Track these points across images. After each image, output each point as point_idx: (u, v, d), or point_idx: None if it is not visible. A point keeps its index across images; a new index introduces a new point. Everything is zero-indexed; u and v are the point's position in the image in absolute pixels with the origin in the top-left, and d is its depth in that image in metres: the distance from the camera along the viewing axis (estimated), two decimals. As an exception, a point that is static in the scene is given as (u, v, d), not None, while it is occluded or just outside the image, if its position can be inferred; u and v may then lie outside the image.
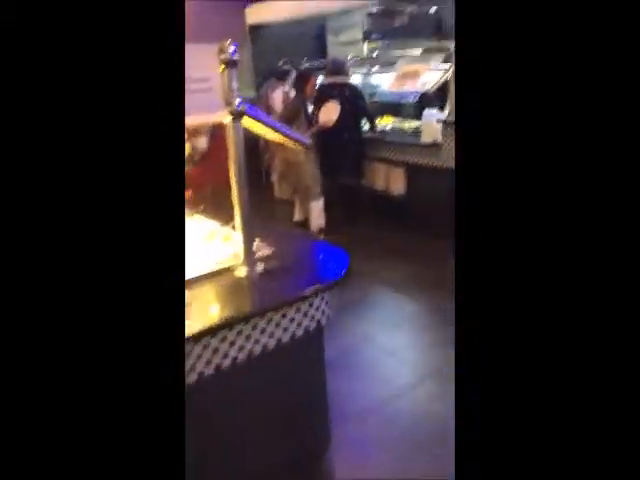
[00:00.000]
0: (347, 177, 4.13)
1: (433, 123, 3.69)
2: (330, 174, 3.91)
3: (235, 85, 1.39)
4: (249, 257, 1.53)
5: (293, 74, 4.69)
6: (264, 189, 5.14)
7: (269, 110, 4.53)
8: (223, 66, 1.35)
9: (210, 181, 2.19)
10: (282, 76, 4.82)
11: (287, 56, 5.17)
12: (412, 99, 3.97)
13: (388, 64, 4.63)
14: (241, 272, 1.51)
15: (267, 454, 1.57)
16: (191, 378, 1.30)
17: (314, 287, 1.43)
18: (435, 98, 3.90)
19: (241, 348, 1.39)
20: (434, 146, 3.69)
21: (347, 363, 2.41)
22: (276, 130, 1.54)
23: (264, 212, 4.55)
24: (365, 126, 4.32)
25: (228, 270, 1.53)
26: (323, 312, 1.55)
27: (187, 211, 1.69)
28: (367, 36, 5.23)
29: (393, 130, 4.24)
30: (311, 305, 1.50)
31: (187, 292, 1.26)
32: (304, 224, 4.06)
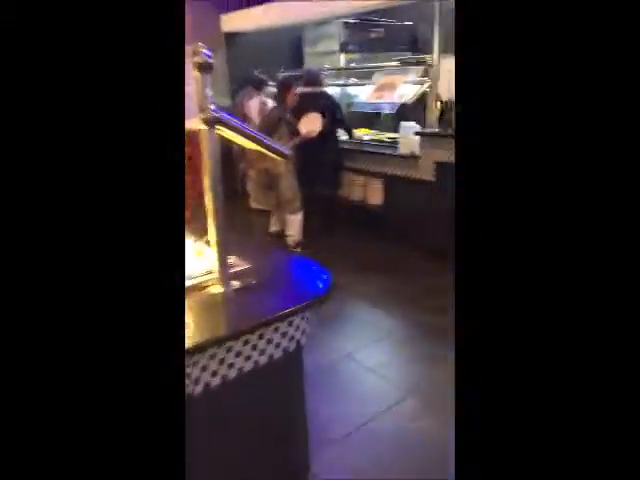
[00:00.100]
0: (324, 188, 4.08)
1: (410, 135, 3.68)
2: (307, 185, 3.85)
3: (209, 91, 1.30)
4: (224, 274, 1.44)
5: (270, 83, 4.63)
6: (239, 199, 5.04)
7: (245, 119, 4.45)
8: (196, 70, 1.27)
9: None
10: (258, 85, 4.76)
11: (263, 65, 5.11)
12: (390, 111, 3.95)
13: (365, 75, 4.63)
14: (215, 290, 1.42)
15: (242, 484, 1.47)
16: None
17: (293, 306, 1.35)
18: (413, 110, 3.90)
19: (214, 373, 1.29)
20: (412, 158, 3.67)
21: (326, 381, 2.33)
22: (256, 140, 1.46)
23: (239, 222, 4.46)
24: (342, 136, 4.29)
25: (201, 287, 1.43)
26: (303, 331, 1.47)
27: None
28: (344, 47, 5.23)
29: (371, 141, 4.22)
30: (290, 324, 1.42)
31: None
32: (280, 235, 3.98)
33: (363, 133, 4.36)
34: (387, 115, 4.13)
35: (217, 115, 1.32)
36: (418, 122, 3.76)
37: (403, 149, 3.74)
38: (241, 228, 4.38)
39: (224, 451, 1.42)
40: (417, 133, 3.65)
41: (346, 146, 4.23)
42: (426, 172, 3.60)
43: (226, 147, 4.13)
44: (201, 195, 1.40)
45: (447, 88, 3.57)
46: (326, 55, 5.39)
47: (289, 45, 5.93)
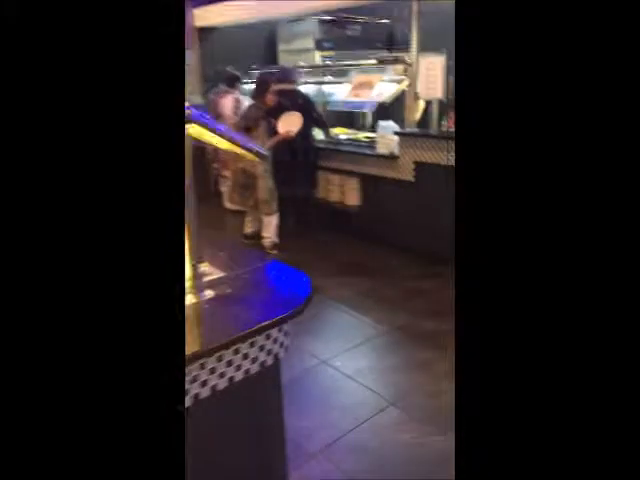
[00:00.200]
0: (300, 188, 3.99)
1: (389, 134, 3.62)
2: (283, 185, 3.74)
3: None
4: (196, 283, 1.33)
5: (243, 80, 4.50)
6: (212, 199, 4.90)
7: (219, 117, 4.31)
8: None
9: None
10: (232, 82, 4.62)
11: (237, 62, 4.98)
12: (367, 109, 3.88)
13: (341, 73, 4.55)
14: (187, 300, 1.31)
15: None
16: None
17: (272, 318, 1.25)
18: (391, 109, 3.84)
19: (186, 391, 1.18)
20: (390, 158, 3.61)
21: (303, 391, 2.24)
22: (231, 140, 1.36)
23: (213, 223, 4.32)
24: (319, 135, 4.20)
25: (171, 298, 1.32)
26: (281, 344, 1.37)
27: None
28: (319, 45, 5.14)
29: (348, 141, 4.14)
30: (268, 338, 1.32)
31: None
32: (256, 237, 3.87)
33: (340, 132, 4.28)
34: (365, 114, 4.05)
35: (189, 113, 1.22)
36: (397, 121, 3.70)
37: (381, 149, 3.68)
38: (215, 229, 4.25)
39: (198, 471, 1.31)
40: (396, 133, 3.59)
41: (323, 145, 4.15)
42: (405, 172, 3.55)
43: (199, 147, 4.00)
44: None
45: (426, 87, 3.53)
46: (301, 52, 5.29)
47: (263, 41, 5.81)
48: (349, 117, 4.55)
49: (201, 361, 1.19)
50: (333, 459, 1.86)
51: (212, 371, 1.22)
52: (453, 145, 3.21)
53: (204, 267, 1.45)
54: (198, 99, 5.13)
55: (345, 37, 5.24)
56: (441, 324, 2.79)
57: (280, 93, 3.74)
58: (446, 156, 3.26)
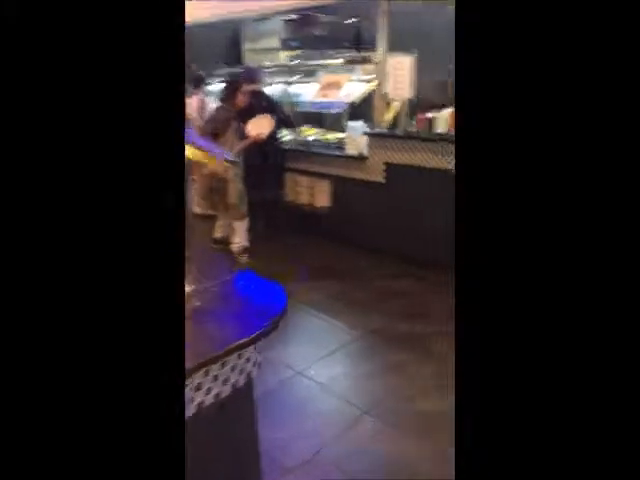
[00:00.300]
0: (269, 191, 3.90)
1: (358, 135, 3.57)
2: (252, 189, 3.65)
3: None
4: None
5: (207, 81, 4.37)
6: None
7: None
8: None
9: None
10: (197, 82, 4.49)
11: (200, 62, 4.84)
12: (336, 110, 3.83)
13: (308, 73, 4.48)
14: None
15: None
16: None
17: (244, 336, 1.17)
18: (360, 110, 3.80)
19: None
20: (359, 159, 3.57)
21: (277, 404, 2.16)
22: (197, 148, 1.28)
23: (179, 229, 4.18)
24: (287, 136, 4.12)
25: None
26: (255, 363, 1.29)
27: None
28: (285, 44, 5.05)
29: (317, 142, 4.08)
30: (240, 357, 1.24)
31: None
32: (225, 242, 3.76)
33: (309, 133, 4.21)
34: (333, 114, 4.00)
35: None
36: (366, 122, 3.66)
37: (351, 149, 3.63)
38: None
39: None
40: (365, 133, 3.55)
41: (291, 147, 4.07)
42: (375, 173, 3.51)
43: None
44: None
45: (395, 87, 3.50)
46: (266, 52, 5.19)
47: (227, 41, 5.67)
48: (318, 117, 4.49)
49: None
50: (310, 474, 1.80)
51: (180, 396, 1.13)
52: (423, 145, 3.20)
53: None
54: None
55: (312, 36, 5.16)
56: (414, 326, 2.76)
57: (250, 94, 3.64)
58: (416, 157, 3.24)
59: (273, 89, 4.37)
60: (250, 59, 5.35)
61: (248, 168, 3.55)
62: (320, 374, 2.38)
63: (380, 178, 3.49)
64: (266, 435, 1.92)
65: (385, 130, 3.57)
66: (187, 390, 1.14)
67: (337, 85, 3.95)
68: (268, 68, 4.59)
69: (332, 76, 4.08)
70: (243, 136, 3.49)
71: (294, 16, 4.97)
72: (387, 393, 2.23)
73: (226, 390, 1.23)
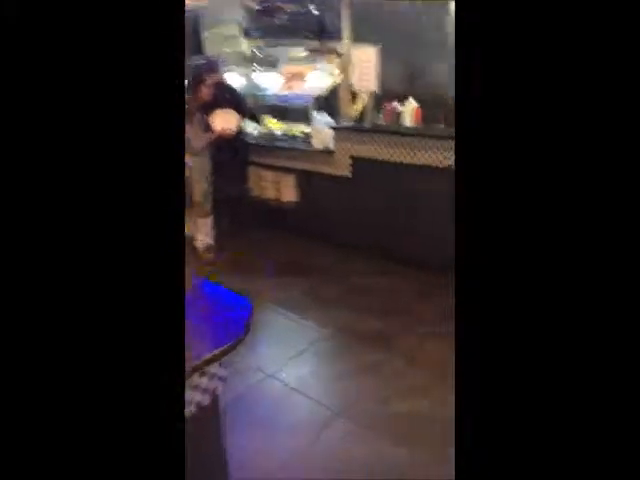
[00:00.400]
0: (233, 187, 3.77)
1: (324, 128, 3.50)
2: (216, 184, 3.52)
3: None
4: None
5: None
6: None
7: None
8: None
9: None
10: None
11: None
12: (301, 103, 3.73)
13: (271, 64, 4.35)
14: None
15: None
16: None
17: (207, 353, 1.09)
18: (325, 102, 3.71)
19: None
20: (326, 152, 3.49)
21: (246, 411, 2.08)
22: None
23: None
24: (251, 130, 4.00)
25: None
26: (220, 378, 1.22)
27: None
28: (246, 33, 4.89)
29: (282, 135, 3.97)
30: (204, 375, 1.16)
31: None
32: (189, 240, 3.62)
33: (274, 126, 4.10)
34: (298, 107, 3.89)
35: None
36: (331, 114, 3.58)
37: (317, 143, 3.55)
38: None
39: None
40: (331, 126, 3.47)
41: (256, 141, 3.96)
42: (342, 167, 3.45)
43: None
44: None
45: (360, 79, 3.43)
46: (227, 41, 5.01)
47: (186, 28, 5.45)
48: (282, 110, 4.37)
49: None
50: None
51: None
52: (389, 139, 3.15)
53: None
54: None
55: (274, 26, 5.02)
56: (385, 322, 2.73)
57: (213, 87, 3.50)
58: (383, 151, 3.19)
59: (235, 80, 4.22)
60: (210, 48, 5.16)
61: (214, 165, 3.43)
62: (291, 376, 2.32)
63: (346, 172, 3.43)
64: (236, 444, 1.86)
65: (351, 123, 3.50)
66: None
67: (301, 76, 3.85)
68: (229, 58, 4.43)
69: (296, 67, 3.98)
70: (207, 129, 3.36)
71: (255, 5, 4.81)
72: (363, 396, 2.18)
73: (189, 410, 1.15)
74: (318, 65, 3.83)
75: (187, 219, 3.63)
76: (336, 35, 3.70)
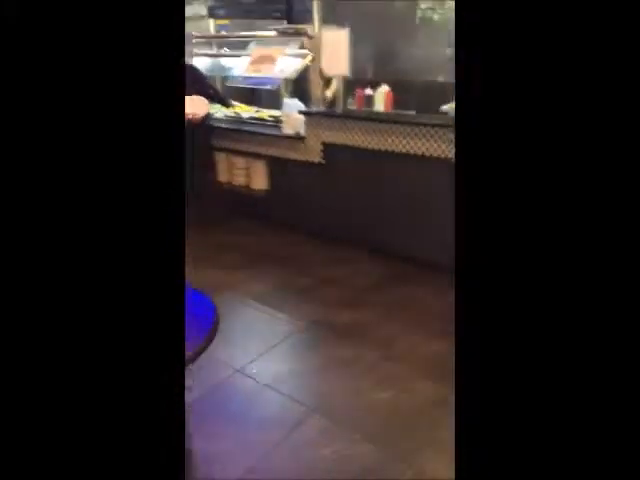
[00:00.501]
0: (199, 173, 3.64)
1: (294, 113, 3.39)
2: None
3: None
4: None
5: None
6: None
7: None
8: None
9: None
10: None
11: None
12: (270, 86, 3.61)
13: (240, 45, 4.19)
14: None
15: None
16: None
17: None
18: (296, 86, 3.60)
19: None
20: (297, 138, 3.40)
21: (214, 409, 2.01)
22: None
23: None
24: (218, 113, 3.86)
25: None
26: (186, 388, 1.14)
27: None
28: (212, 12, 4.70)
29: (251, 119, 3.84)
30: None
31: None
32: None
33: (242, 110, 3.97)
34: (268, 91, 3.77)
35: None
36: (301, 99, 3.47)
37: (287, 129, 3.45)
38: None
39: None
40: (301, 111, 3.37)
41: (224, 125, 3.82)
42: (313, 154, 3.36)
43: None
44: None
45: (330, 62, 3.33)
46: (192, 20, 4.80)
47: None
48: (251, 94, 4.23)
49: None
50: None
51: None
52: (361, 125, 3.07)
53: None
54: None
55: (240, 5, 4.84)
56: (360, 314, 2.69)
57: None
58: (355, 137, 3.11)
59: (201, 62, 4.05)
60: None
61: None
62: (263, 372, 2.25)
63: (318, 159, 3.35)
64: (203, 447, 1.79)
65: (322, 108, 3.41)
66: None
67: (271, 59, 3.72)
68: (195, 38, 4.25)
69: (264, 49, 3.83)
70: None
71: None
72: (338, 391, 2.13)
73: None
74: (287, 47, 3.70)
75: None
76: (306, 16, 3.58)
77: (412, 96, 3.39)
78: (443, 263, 2.95)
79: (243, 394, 2.13)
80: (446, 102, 3.46)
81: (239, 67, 3.91)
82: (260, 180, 3.72)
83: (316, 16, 3.33)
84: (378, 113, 3.23)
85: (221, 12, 4.72)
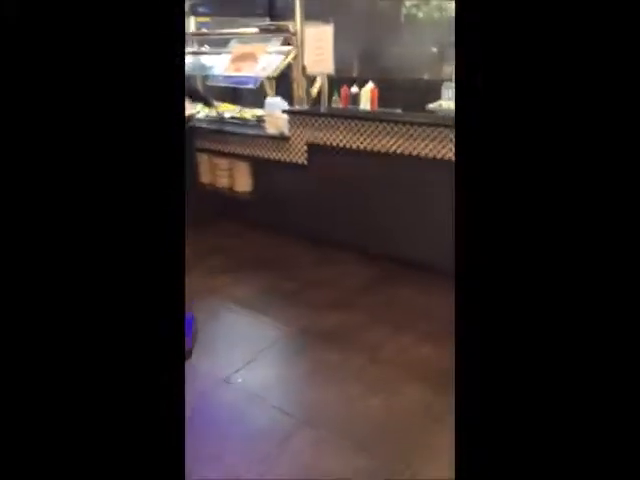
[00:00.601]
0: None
1: (277, 113, 3.31)
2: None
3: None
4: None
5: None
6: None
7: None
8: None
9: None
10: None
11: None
12: (251, 85, 3.52)
13: (221, 43, 4.09)
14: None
15: None
16: None
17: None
18: (278, 85, 3.52)
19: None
20: (280, 138, 3.31)
21: (197, 422, 1.93)
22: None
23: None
24: (200, 114, 3.76)
25: None
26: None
27: None
28: (194, 9, 4.59)
29: (234, 119, 3.75)
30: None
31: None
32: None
33: (225, 110, 3.87)
34: (250, 90, 3.68)
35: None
36: (285, 97, 3.39)
37: (270, 128, 3.36)
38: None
39: None
40: (285, 110, 3.29)
41: (205, 125, 3.72)
42: (298, 154, 3.28)
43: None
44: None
45: (314, 60, 3.25)
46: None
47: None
48: (233, 92, 4.14)
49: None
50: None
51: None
52: (346, 124, 3.01)
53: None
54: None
55: (221, 2, 4.74)
56: (348, 316, 2.63)
57: None
58: (340, 136, 3.04)
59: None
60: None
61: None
62: (249, 380, 2.18)
63: (303, 160, 3.27)
64: (187, 466, 1.71)
65: (306, 107, 3.33)
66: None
67: (252, 57, 3.63)
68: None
69: (246, 46, 3.74)
70: None
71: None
72: (329, 401, 2.06)
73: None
74: (269, 44, 3.62)
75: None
76: (289, 13, 3.50)
77: (398, 94, 3.34)
78: (429, 263, 2.91)
79: (228, 406, 2.05)
80: (432, 100, 3.42)
81: (220, 65, 3.82)
82: (243, 181, 3.64)
83: (298, 12, 3.25)
84: (364, 112, 3.17)
85: (202, 9, 4.62)
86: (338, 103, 3.45)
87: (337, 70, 3.31)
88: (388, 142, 2.87)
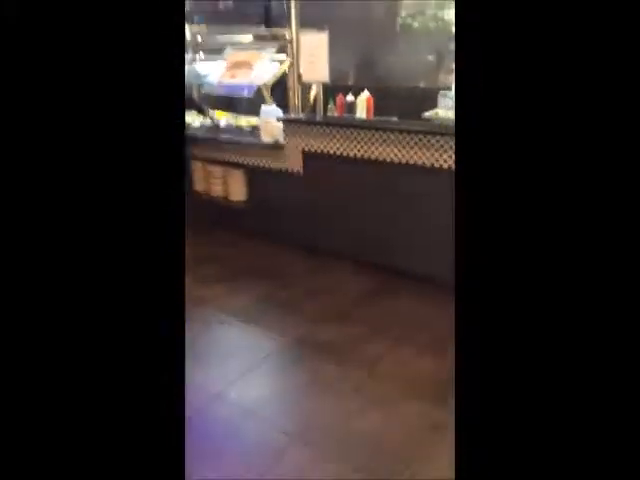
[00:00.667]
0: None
1: (272, 121, 3.27)
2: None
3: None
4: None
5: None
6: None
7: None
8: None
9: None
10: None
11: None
12: (247, 93, 3.49)
13: (215, 51, 4.07)
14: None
15: None
16: None
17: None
18: (273, 92, 3.49)
19: None
20: (276, 147, 3.28)
21: (188, 437, 1.87)
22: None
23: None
24: (195, 122, 3.73)
25: None
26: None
27: None
28: (189, 18, 4.57)
29: (229, 127, 3.71)
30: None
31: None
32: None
33: (220, 117, 3.84)
34: (245, 98, 3.65)
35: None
36: (280, 105, 3.36)
37: (265, 136, 3.33)
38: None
39: None
40: (280, 119, 3.25)
41: (200, 133, 3.68)
42: (293, 163, 3.25)
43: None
44: None
45: (309, 67, 3.23)
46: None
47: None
48: (228, 101, 4.11)
49: None
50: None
51: None
52: (342, 132, 2.98)
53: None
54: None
55: (217, 11, 4.73)
56: (345, 328, 2.58)
57: None
58: (336, 145, 3.01)
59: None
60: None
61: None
62: (243, 395, 2.12)
63: (298, 168, 3.24)
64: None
65: (301, 115, 3.30)
66: None
67: (247, 65, 3.60)
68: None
69: (240, 54, 3.72)
70: None
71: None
72: (326, 415, 2.01)
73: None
74: (264, 52, 3.59)
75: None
76: (284, 21, 3.48)
77: (394, 103, 3.32)
78: (426, 273, 2.87)
79: (221, 423, 1.99)
80: (429, 108, 3.39)
81: (215, 73, 3.79)
82: (238, 189, 3.59)
83: (294, 19, 3.23)
84: (360, 120, 3.14)
85: (197, 18, 4.61)
86: (334, 111, 3.42)
87: (333, 78, 3.29)
88: (384, 150, 2.84)
